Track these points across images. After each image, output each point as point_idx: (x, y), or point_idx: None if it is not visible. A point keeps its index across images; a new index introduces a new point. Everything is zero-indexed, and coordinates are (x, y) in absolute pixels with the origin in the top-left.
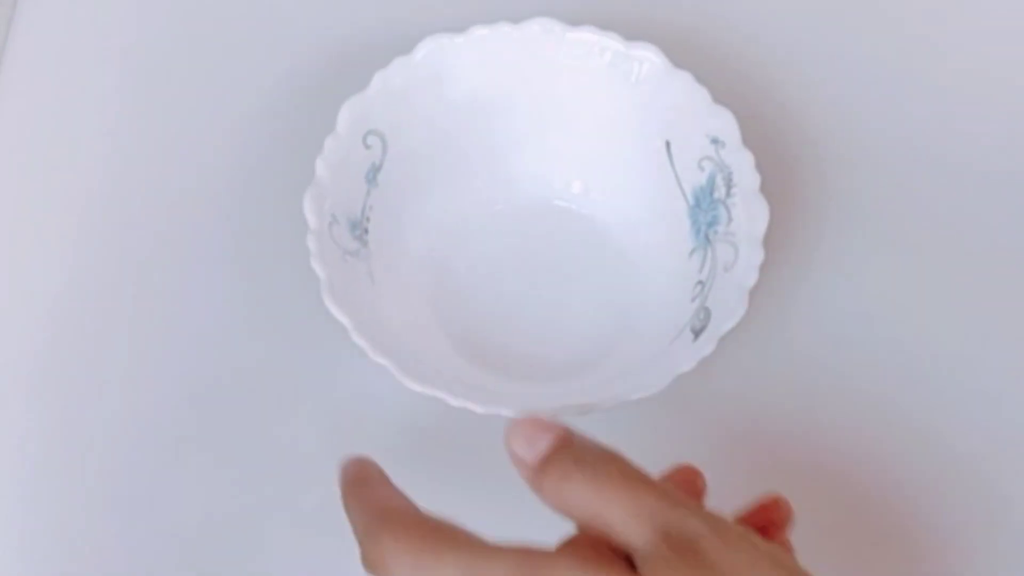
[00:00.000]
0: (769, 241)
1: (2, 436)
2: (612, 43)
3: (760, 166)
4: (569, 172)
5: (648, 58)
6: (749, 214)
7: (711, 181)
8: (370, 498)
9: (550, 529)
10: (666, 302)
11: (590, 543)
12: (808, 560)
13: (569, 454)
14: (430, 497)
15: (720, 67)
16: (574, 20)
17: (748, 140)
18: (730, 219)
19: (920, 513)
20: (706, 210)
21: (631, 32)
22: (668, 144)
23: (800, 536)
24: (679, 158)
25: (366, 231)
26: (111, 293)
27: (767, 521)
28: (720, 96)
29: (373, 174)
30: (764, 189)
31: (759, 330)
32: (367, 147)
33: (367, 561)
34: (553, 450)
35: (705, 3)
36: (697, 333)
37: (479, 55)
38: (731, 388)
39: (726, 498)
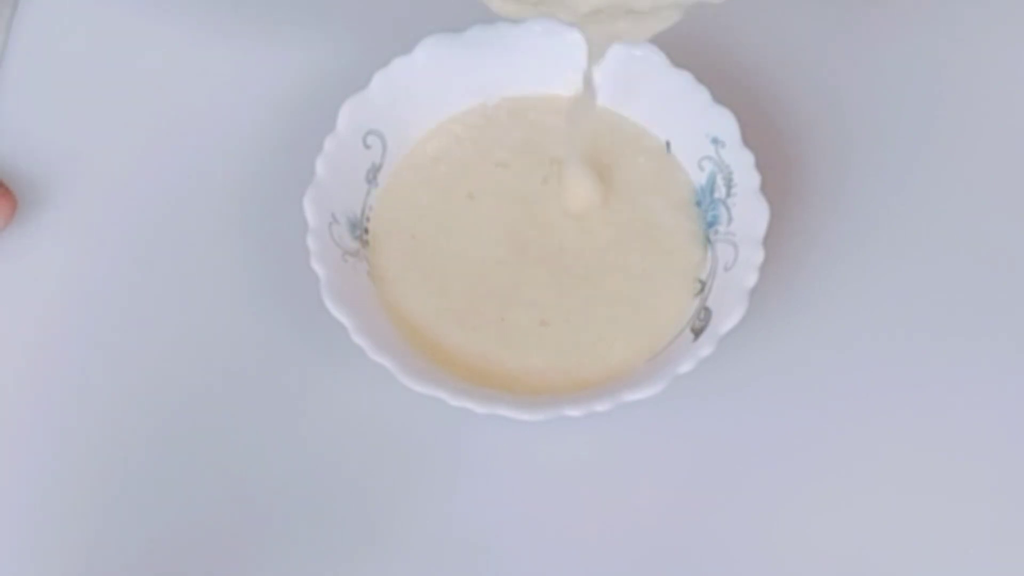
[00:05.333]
0: (769, 241)
1: None
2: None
3: (760, 166)
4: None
5: (648, 57)
6: (749, 214)
7: (711, 181)
8: None
9: (550, 529)
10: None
11: None
12: (807, 561)
13: None
14: (429, 498)
15: (720, 66)
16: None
17: (748, 140)
18: (730, 219)
19: (920, 514)
20: (706, 210)
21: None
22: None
23: (799, 537)
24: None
25: (366, 231)
26: (110, 291)
27: None
28: (720, 96)
29: (373, 174)
30: (764, 189)
31: (759, 330)
32: (367, 147)
33: None
34: None
35: (705, 2)
36: (697, 333)
37: (479, 55)
38: (731, 389)
39: (725, 500)
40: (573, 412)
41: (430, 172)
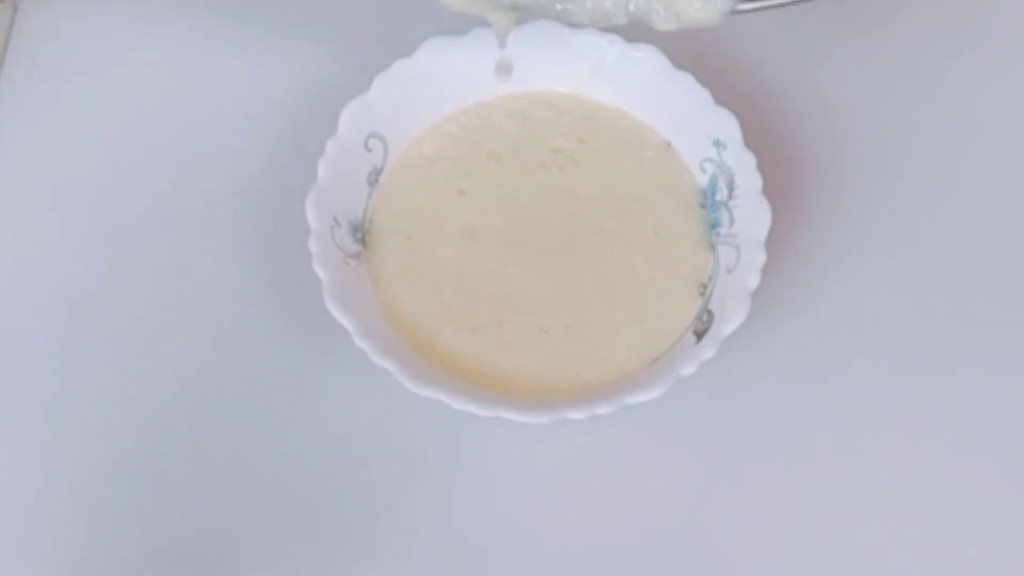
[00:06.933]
0: (771, 243)
1: None
2: (614, 44)
3: (762, 168)
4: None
5: (649, 60)
6: (751, 216)
7: (713, 183)
8: None
9: (552, 531)
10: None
11: None
12: (808, 562)
13: None
14: (431, 500)
15: (722, 68)
16: (575, 22)
17: (750, 142)
18: (732, 221)
19: (921, 515)
20: (708, 212)
21: (632, 34)
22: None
23: (801, 538)
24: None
25: (368, 233)
26: (111, 294)
27: None
28: (722, 98)
29: (375, 177)
30: (766, 191)
31: (761, 333)
32: (368, 150)
33: None
34: None
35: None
36: (699, 335)
37: (480, 58)
38: (733, 391)
39: (728, 501)
40: (576, 415)
41: (426, 172)
